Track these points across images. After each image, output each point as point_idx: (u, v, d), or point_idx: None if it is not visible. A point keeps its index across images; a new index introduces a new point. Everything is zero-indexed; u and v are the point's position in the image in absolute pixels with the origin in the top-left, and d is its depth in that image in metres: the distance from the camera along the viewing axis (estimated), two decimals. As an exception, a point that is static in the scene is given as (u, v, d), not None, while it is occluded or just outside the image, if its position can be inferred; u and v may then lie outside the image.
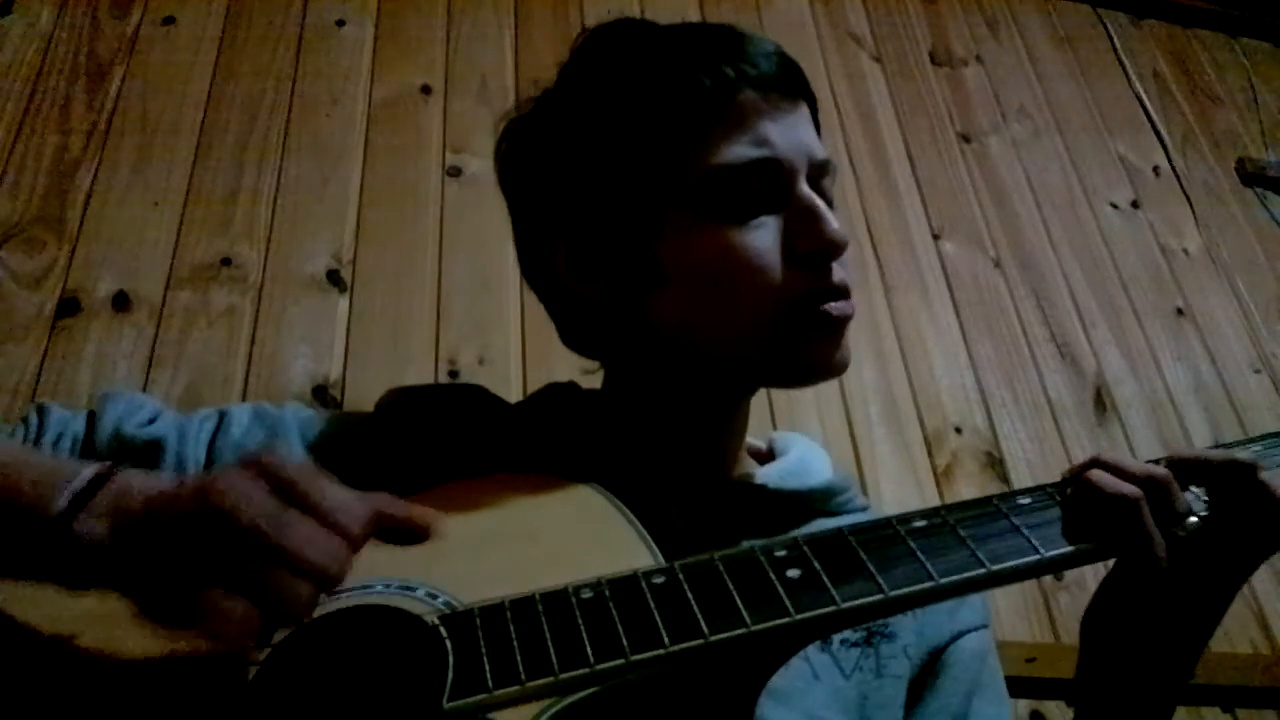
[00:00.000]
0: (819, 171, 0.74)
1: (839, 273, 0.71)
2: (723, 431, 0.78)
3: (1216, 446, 0.68)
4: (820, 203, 0.71)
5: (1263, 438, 0.67)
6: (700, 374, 0.75)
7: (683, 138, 0.71)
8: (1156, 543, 0.59)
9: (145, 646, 0.49)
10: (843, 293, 0.71)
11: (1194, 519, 0.60)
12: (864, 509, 0.82)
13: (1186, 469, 0.62)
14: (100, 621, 0.50)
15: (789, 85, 0.74)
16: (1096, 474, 0.60)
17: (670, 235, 0.71)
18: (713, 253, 0.70)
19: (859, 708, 0.69)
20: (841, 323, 0.71)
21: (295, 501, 0.52)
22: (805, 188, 0.71)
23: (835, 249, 0.71)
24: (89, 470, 0.55)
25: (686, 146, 0.71)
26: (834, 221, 0.71)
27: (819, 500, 0.79)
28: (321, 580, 0.51)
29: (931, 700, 0.73)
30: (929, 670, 0.74)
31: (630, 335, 0.76)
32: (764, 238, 0.70)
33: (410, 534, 0.58)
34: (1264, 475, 0.60)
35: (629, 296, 0.74)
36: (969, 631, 0.77)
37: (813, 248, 0.70)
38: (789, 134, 0.72)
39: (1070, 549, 0.58)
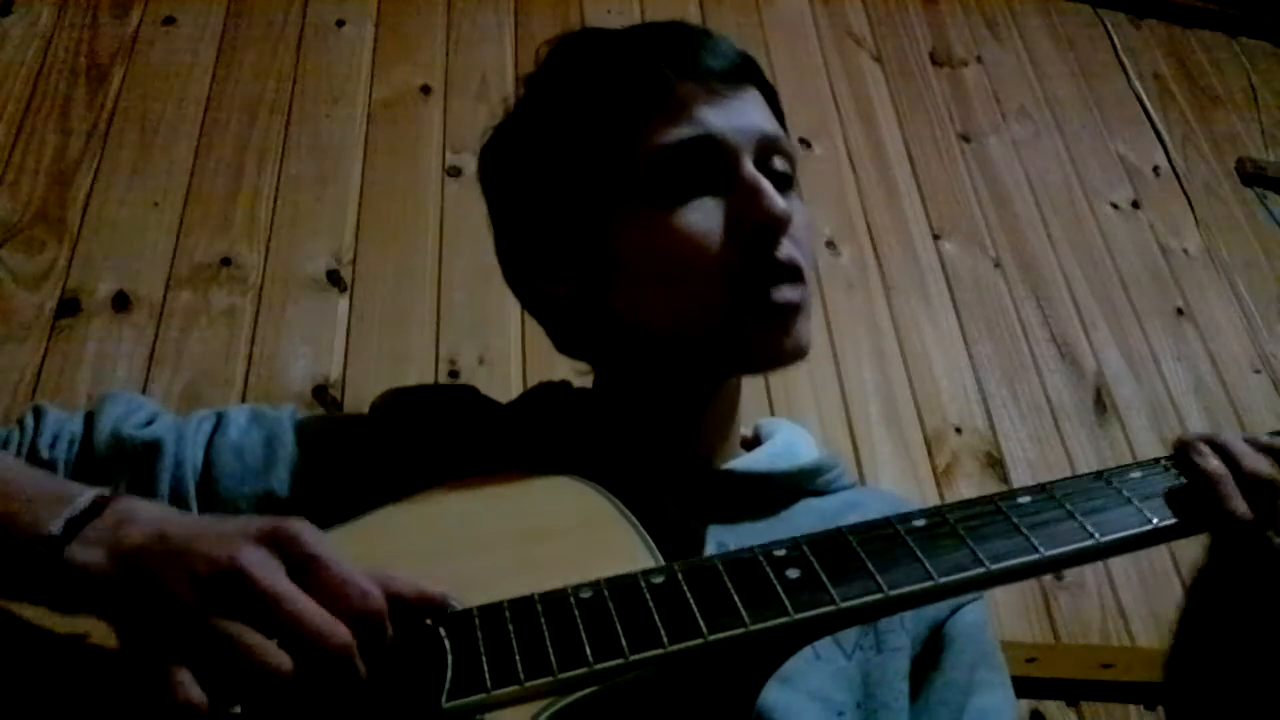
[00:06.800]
0: (768, 149, 0.74)
1: (786, 249, 0.71)
2: (701, 421, 0.79)
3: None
4: (763, 180, 0.71)
5: None
6: (665, 361, 0.76)
7: (624, 129, 0.72)
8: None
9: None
10: (790, 271, 0.71)
11: None
12: (851, 486, 0.83)
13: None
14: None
15: (735, 75, 0.75)
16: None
17: (619, 225, 0.73)
18: (655, 237, 0.71)
19: (862, 685, 0.70)
20: (789, 309, 0.71)
21: (308, 577, 0.48)
22: (749, 166, 0.72)
23: (778, 223, 0.71)
24: (87, 495, 0.51)
25: (628, 137, 0.72)
26: (778, 197, 0.71)
27: (805, 479, 0.79)
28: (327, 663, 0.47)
29: (938, 676, 0.74)
30: (932, 646, 0.75)
31: (600, 330, 0.78)
32: (704, 218, 0.71)
33: (424, 611, 0.53)
34: None
35: (593, 292, 0.76)
36: (969, 603, 0.78)
37: (754, 223, 0.70)
38: (730, 116, 0.73)
39: (1069, 548, 0.58)
